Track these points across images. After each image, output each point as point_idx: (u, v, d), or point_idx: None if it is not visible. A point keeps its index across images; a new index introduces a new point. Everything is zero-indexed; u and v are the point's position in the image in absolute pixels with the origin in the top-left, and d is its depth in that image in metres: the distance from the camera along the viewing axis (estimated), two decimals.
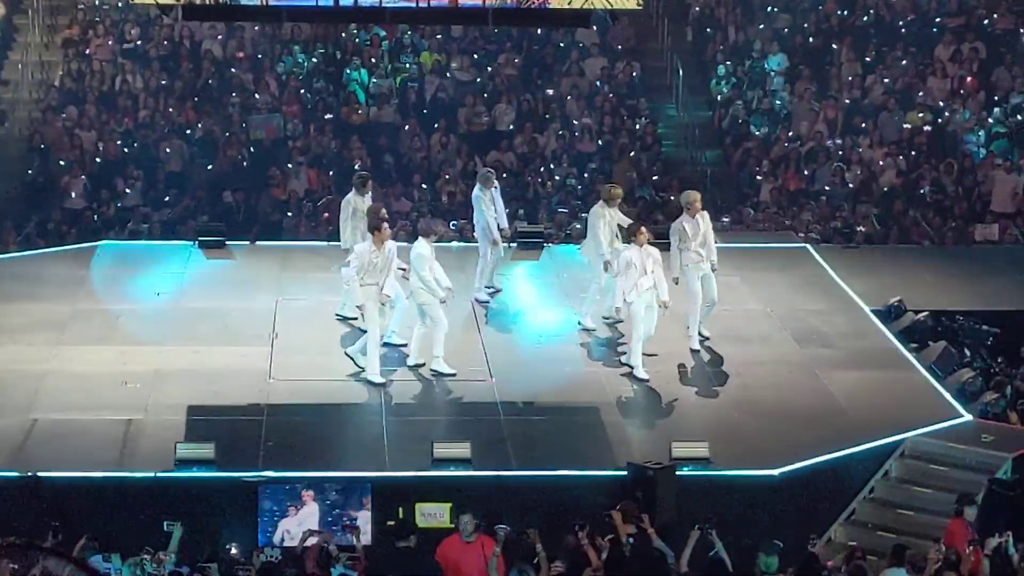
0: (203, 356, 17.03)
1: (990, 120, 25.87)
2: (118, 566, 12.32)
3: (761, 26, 27.60)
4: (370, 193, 17.97)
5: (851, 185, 24.64)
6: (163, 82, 25.84)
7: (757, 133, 25.87)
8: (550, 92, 26.30)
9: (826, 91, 26.40)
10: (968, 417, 16.14)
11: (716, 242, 17.48)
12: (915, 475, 15.40)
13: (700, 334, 17.45)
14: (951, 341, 18.20)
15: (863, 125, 25.80)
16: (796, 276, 20.19)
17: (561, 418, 15.90)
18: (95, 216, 23.39)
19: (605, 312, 17.87)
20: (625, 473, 14.28)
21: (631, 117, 26.06)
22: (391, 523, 13.95)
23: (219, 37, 26.65)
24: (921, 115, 25.83)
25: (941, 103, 26.18)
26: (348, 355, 16.46)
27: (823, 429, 15.65)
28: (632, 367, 16.64)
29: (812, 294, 19.54)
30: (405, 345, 16.89)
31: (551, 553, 12.95)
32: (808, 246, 21.55)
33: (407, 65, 26.52)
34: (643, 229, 16.79)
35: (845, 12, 27.77)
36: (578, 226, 23.03)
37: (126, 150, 24.72)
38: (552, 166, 24.92)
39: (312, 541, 12.69)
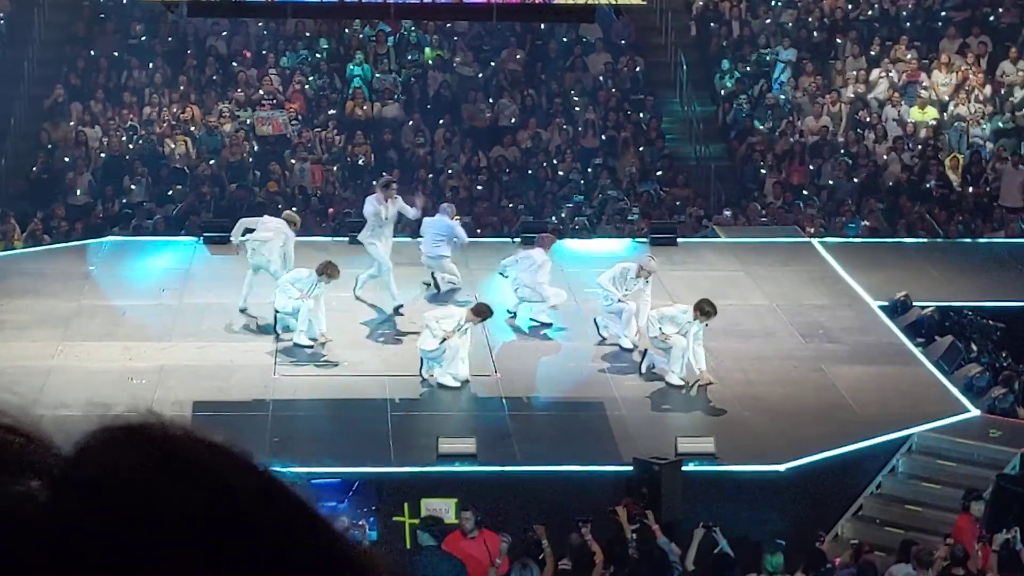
0: (208, 352, 17.01)
1: (996, 115, 25.82)
2: None
3: (766, 20, 27.55)
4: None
5: (856, 180, 24.60)
6: (168, 78, 25.82)
7: (761, 128, 25.83)
8: (554, 87, 26.27)
9: (831, 85, 26.35)
10: (975, 412, 16.10)
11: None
12: (922, 471, 15.37)
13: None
14: (958, 336, 18.15)
15: (868, 119, 25.76)
16: (801, 271, 20.15)
17: (566, 413, 15.87)
18: (100, 212, 23.37)
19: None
20: (631, 469, 14.24)
21: (635, 112, 26.02)
22: (414, 521, 13.91)
23: (223, 33, 26.63)
24: (926, 109, 25.79)
25: (946, 97, 26.13)
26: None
27: (829, 425, 15.61)
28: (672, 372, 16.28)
29: (817, 289, 19.50)
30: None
31: (557, 549, 12.94)
32: (813, 241, 21.51)
33: (411, 59, 26.48)
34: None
35: (850, 6, 27.72)
36: (585, 219, 23.02)
37: (131, 146, 24.70)
38: (556, 161, 24.88)
39: None
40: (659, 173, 24.84)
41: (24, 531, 1.04)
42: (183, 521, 1.05)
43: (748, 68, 26.79)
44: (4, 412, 1.08)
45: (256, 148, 24.78)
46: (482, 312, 16.17)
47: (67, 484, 1.07)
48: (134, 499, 1.06)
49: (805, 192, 24.41)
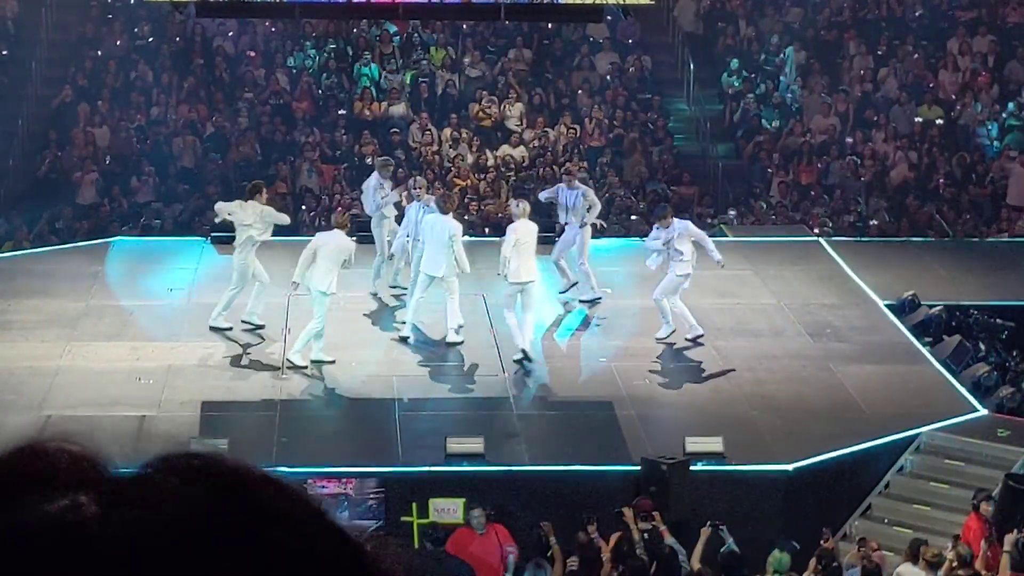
0: (216, 351, 17.02)
1: (1003, 114, 25.79)
2: None
3: (774, 19, 27.53)
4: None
5: (863, 179, 24.58)
6: (175, 78, 25.83)
7: (769, 127, 25.81)
8: (561, 86, 26.26)
9: (838, 85, 26.33)
10: (984, 411, 16.09)
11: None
12: (931, 470, 15.35)
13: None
14: (966, 335, 18.13)
15: (875, 119, 25.73)
16: (809, 270, 20.14)
17: (574, 413, 15.86)
18: (108, 212, 23.39)
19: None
20: (639, 468, 14.24)
21: (642, 111, 26.01)
22: (422, 521, 13.91)
23: (231, 33, 26.64)
24: (933, 108, 25.77)
25: (953, 96, 26.11)
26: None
27: (837, 424, 15.60)
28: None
29: (825, 288, 19.49)
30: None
31: (565, 548, 12.94)
32: (821, 240, 21.50)
33: (418, 60, 26.48)
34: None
35: (857, 5, 27.70)
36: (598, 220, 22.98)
37: (139, 146, 24.72)
38: (563, 160, 24.87)
39: None
40: (666, 172, 24.83)
41: (69, 541, 1.01)
42: (234, 553, 1.02)
43: (755, 67, 26.77)
44: (60, 434, 1.04)
45: (263, 148, 24.78)
46: None
47: (119, 501, 1.03)
48: (188, 524, 1.02)
49: (812, 192, 24.40)
